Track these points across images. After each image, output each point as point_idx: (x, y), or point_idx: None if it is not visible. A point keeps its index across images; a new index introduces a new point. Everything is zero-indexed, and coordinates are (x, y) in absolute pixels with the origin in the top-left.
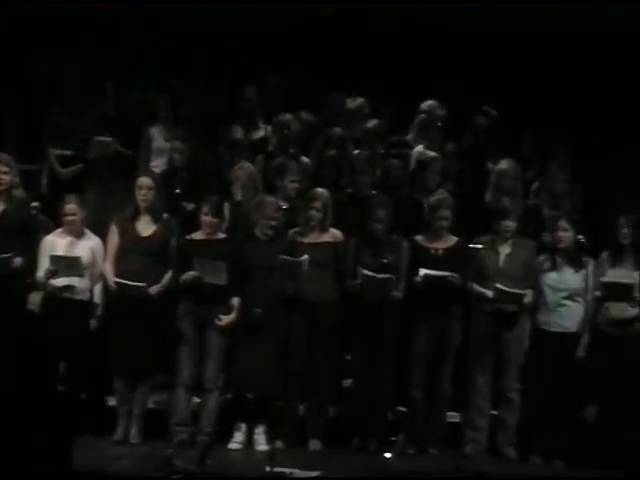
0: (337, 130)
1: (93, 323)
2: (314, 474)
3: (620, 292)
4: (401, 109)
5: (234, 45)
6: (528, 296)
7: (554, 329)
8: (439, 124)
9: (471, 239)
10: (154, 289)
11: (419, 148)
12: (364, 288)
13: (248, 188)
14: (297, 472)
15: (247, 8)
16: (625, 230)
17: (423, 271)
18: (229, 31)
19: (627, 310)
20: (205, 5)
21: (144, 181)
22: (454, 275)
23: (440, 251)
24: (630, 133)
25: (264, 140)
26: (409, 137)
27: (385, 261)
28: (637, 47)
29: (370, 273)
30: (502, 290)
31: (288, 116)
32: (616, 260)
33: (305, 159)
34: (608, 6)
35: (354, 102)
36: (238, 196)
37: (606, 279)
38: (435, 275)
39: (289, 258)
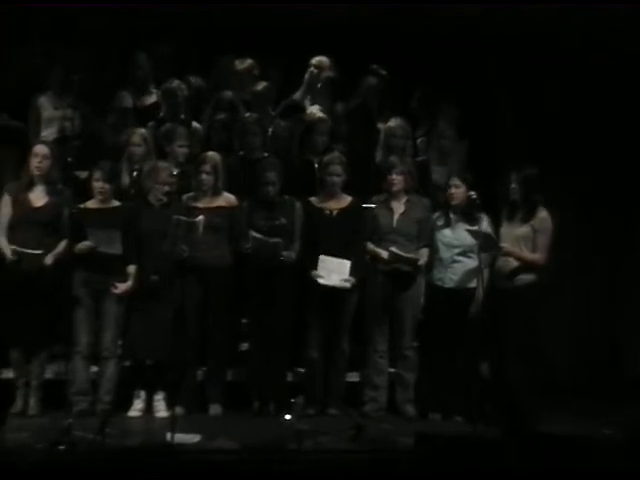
0: (227, 93)
1: None
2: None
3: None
4: (290, 71)
5: (124, 12)
6: (423, 257)
7: (448, 285)
8: (327, 82)
9: (365, 199)
10: (49, 257)
11: (311, 109)
12: (256, 251)
13: (141, 154)
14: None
15: None
16: (514, 186)
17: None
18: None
19: (509, 262)
20: None
21: (40, 149)
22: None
23: (335, 212)
24: (517, 89)
25: (156, 106)
26: (297, 95)
27: (278, 223)
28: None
29: (260, 236)
30: (397, 254)
31: (176, 82)
32: (510, 215)
33: (196, 124)
34: None
35: (243, 64)
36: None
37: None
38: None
39: (184, 218)
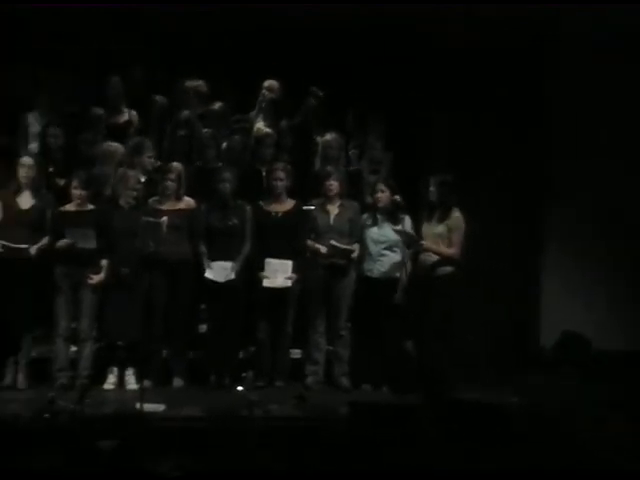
0: (184, 113)
1: None
2: (162, 408)
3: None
4: (244, 92)
5: (101, 39)
6: (356, 250)
7: (376, 275)
8: (270, 102)
9: (305, 201)
10: (33, 249)
11: (258, 125)
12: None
13: (115, 164)
14: (162, 407)
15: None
16: (432, 189)
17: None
18: (94, 25)
19: (431, 256)
20: None
21: (26, 161)
22: None
23: (280, 213)
24: (436, 107)
25: (128, 123)
26: (252, 113)
27: (231, 223)
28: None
29: (216, 263)
30: (335, 246)
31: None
32: (429, 215)
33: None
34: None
35: (201, 86)
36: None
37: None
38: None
39: (151, 219)
